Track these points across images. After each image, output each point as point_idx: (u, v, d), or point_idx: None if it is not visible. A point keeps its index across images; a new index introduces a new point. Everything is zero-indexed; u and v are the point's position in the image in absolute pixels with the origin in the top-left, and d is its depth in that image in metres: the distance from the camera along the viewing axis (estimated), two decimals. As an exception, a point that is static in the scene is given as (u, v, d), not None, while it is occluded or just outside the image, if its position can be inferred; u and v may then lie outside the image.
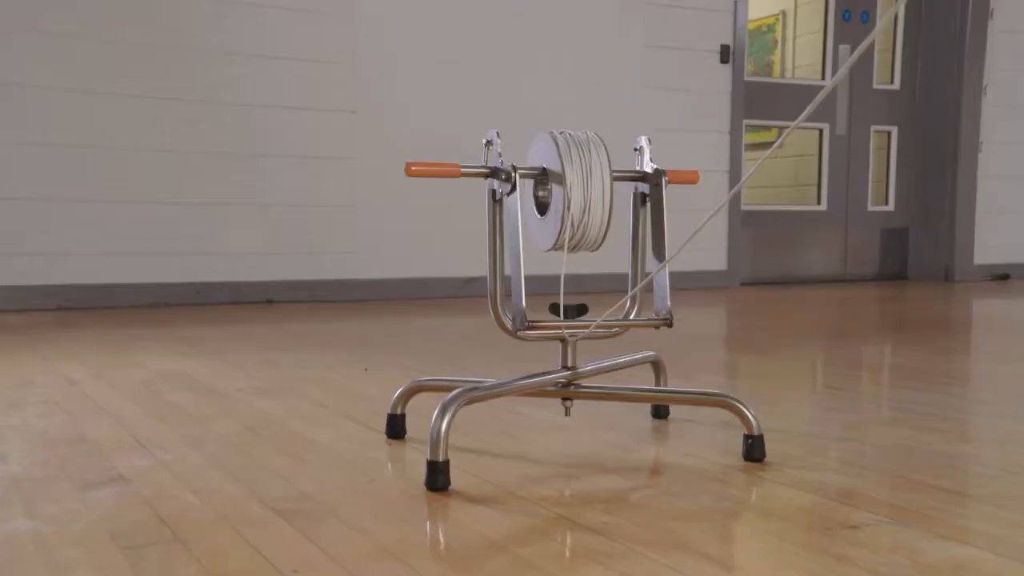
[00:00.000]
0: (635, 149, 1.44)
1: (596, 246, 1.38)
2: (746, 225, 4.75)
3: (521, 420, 1.57)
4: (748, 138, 4.93)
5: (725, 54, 4.47)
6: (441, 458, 1.18)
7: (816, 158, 5.11)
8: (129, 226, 3.53)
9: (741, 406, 1.32)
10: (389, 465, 1.33)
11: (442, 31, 3.94)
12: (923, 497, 1.15)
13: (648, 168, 1.40)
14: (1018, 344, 2.63)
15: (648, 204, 1.42)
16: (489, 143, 1.36)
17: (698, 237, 4.26)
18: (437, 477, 1.18)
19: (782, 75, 5.66)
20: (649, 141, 1.42)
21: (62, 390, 1.87)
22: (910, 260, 5.26)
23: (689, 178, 1.44)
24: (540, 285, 4.25)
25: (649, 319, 1.37)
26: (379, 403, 1.75)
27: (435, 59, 3.93)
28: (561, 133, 1.35)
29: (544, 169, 1.35)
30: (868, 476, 1.25)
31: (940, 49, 5.11)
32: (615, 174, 1.38)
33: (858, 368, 2.20)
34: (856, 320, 3.28)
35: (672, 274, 1.43)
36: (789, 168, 5.58)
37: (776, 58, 5.98)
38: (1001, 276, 5.24)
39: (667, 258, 1.35)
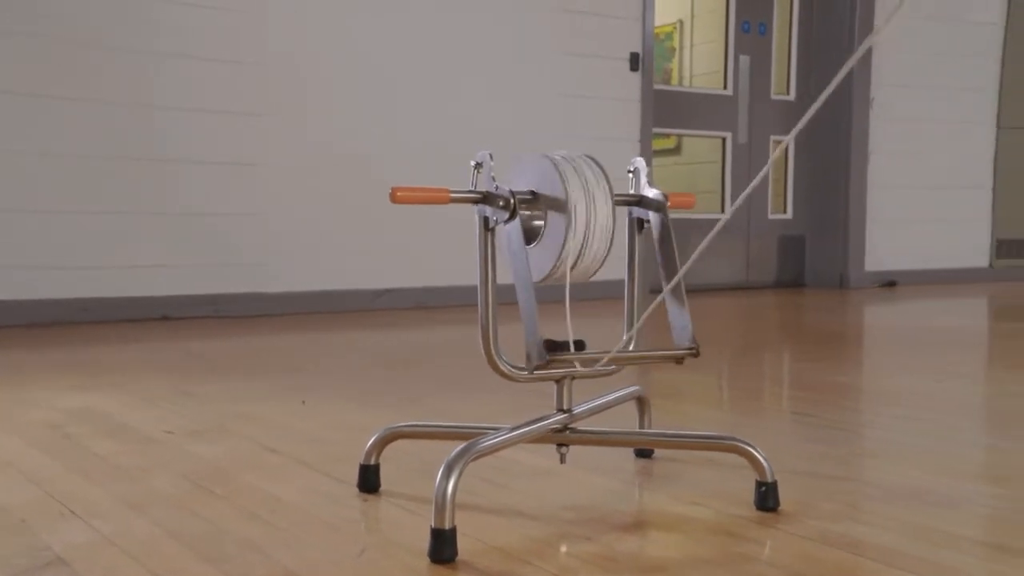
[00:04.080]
0: (629, 171, 1.34)
1: (590, 276, 1.27)
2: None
3: (504, 465, 1.44)
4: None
5: (634, 62, 4.43)
6: (447, 525, 1.04)
7: (718, 166, 5.15)
8: (6, 237, 3.21)
9: (754, 451, 1.23)
10: (374, 528, 1.18)
11: (354, 34, 3.76)
12: (967, 556, 1.09)
13: (649, 192, 1.29)
14: (936, 358, 2.65)
15: (647, 230, 1.31)
16: (479, 165, 1.23)
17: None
18: (444, 548, 1.04)
19: (680, 83, 5.70)
20: (647, 163, 1.32)
21: (-44, 437, 1.63)
22: (807, 267, 5.37)
23: (686, 202, 1.35)
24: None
25: (675, 350, 1.24)
26: (331, 445, 1.59)
27: (347, 62, 3.74)
28: (558, 156, 1.23)
29: (534, 193, 1.23)
30: (895, 527, 1.17)
31: (830, 62, 5.24)
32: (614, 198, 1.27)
33: (810, 390, 2.16)
34: (776, 332, 3.28)
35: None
36: (687, 176, 5.63)
37: (675, 66, 6.02)
38: (889, 283, 5.41)
39: (676, 282, 1.24)
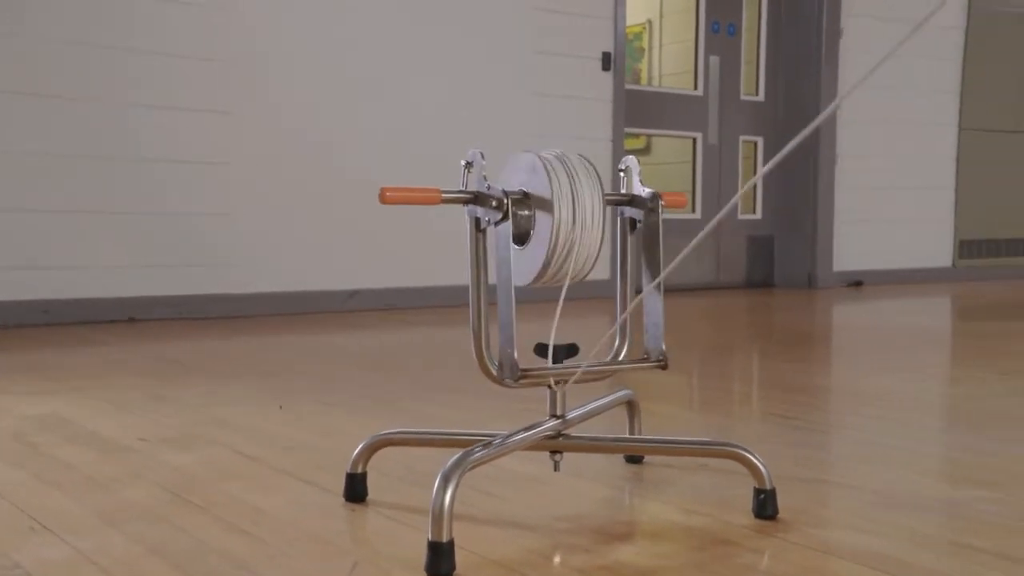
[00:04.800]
0: (620, 170, 1.31)
1: (583, 277, 1.24)
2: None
3: (495, 473, 1.40)
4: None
5: (607, 61, 4.42)
6: (445, 538, 1.01)
7: (688, 166, 5.15)
8: (-36, 236, 3.11)
9: (752, 457, 1.21)
10: (365, 540, 1.14)
11: (326, 32, 3.69)
12: (978, 566, 1.07)
13: (641, 191, 1.27)
14: (911, 358, 2.66)
15: (638, 230, 1.28)
16: (470, 164, 1.19)
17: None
18: (441, 561, 1.00)
19: (649, 83, 5.70)
20: (637, 162, 1.29)
21: (-84, 446, 1.56)
22: (776, 268, 5.39)
23: (678, 201, 1.32)
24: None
25: (641, 361, 1.23)
26: (312, 451, 1.54)
27: (317, 60, 3.68)
28: (548, 154, 1.20)
29: (525, 193, 1.20)
30: (898, 535, 1.16)
31: (798, 64, 5.27)
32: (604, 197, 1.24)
33: (789, 391, 2.15)
34: (749, 333, 3.28)
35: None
36: (657, 176, 5.62)
37: (643, 66, 6.02)
38: (856, 283, 5.45)
39: (660, 288, 1.21)
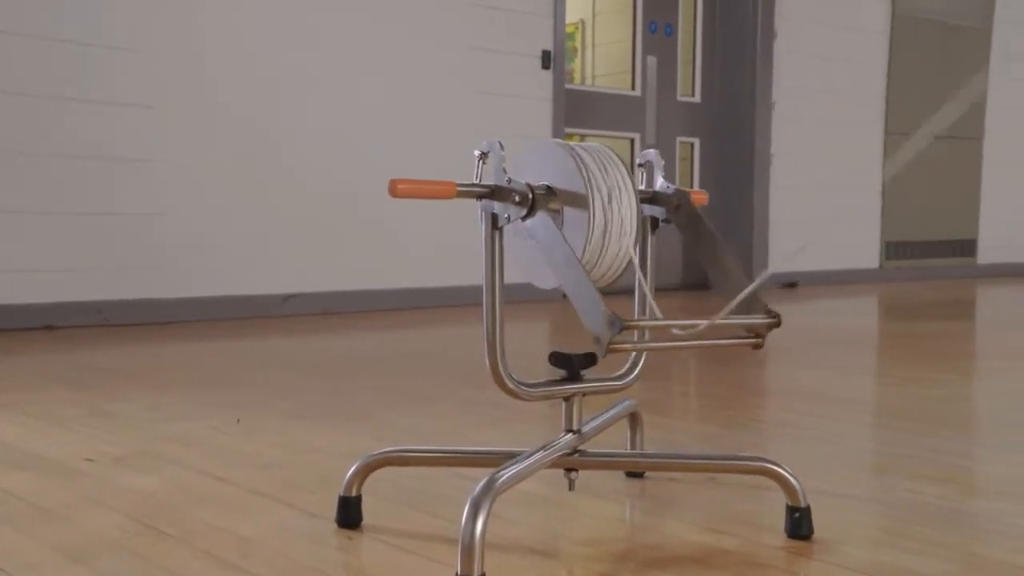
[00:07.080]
0: (639, 165, 1.21)
1: (613, 279, 1.14)
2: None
3: (497, 493, 1.28)
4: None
5: (546, 60, 4.34)
6: (476, 573, 0.89)
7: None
8: None
9: (785, 473, 1.13)
10: (367, 572, 1.02)
11: (259, 24, 3.51)
12: (1035, 579, 1.01)
13: (664, 187, 1.17)
14: (872, 360, 2.65)
15: (671, 226, 1.19)
16: (485, 155, 1.08)
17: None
18: (473, 599, 0.89)
19: (583, 83, 5.64)
20: (660, 157, 1.20)
21: None
22: (712, 269, 5.40)
23: (699, 200, 1.23)
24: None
25: (757, 318, 1.09)
26: (286, 469, 1.40)
27: (249, 53, 3.50)
28: (574, 145, 1.10)
29: (549, 187, 1.09)
30: (945, 555, 1.09)
31: (734, 65, 5.28)
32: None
33: (765, 396, 2.09)
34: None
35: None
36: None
37: (576, 66, 5.97)
38: (790, 284, 5.50)
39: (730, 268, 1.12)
